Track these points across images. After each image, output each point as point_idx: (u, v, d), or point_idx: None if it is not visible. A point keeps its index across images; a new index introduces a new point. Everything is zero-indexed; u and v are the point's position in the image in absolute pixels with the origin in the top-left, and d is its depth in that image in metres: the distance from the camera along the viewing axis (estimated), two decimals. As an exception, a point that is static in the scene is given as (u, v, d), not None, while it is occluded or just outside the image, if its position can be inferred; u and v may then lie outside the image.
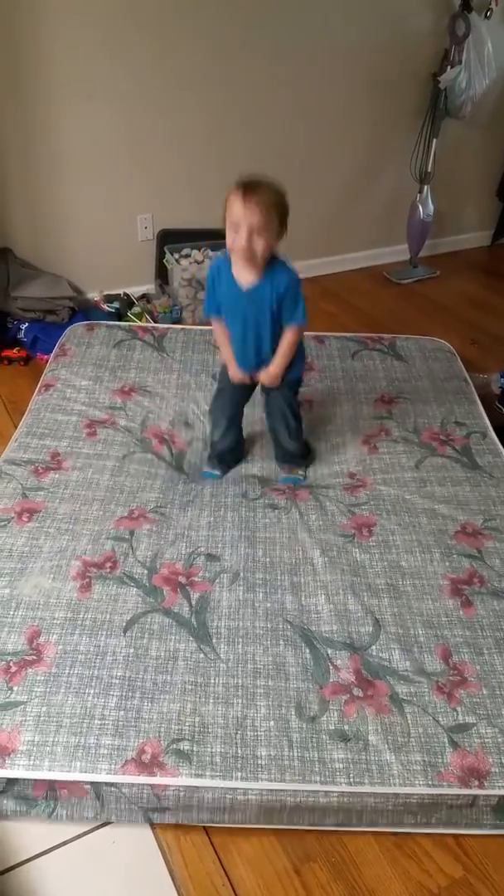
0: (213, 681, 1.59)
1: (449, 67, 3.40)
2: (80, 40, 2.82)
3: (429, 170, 3.66)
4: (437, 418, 2.45)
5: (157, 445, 2.32)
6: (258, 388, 2.18)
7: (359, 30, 3.30)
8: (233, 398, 2.19)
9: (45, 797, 1.47)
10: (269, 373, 2.03)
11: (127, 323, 3.00)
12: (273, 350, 2.01)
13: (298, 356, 2.09)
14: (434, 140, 3.60)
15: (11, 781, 1.45)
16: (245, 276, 1.91)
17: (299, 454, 2.27)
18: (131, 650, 1.64)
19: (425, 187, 3.71)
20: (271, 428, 2.25)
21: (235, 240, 1.80)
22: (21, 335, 3.04)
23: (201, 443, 2.36)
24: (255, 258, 1.84)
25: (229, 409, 2.21)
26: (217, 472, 2.25)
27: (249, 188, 1.77)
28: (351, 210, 3.82)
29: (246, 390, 2.18)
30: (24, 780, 1.44)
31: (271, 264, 1.90)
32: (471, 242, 4.35)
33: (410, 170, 3.70)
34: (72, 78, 2.88)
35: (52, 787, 1.46)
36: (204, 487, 2.14)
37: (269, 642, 1.68)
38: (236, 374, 2.07)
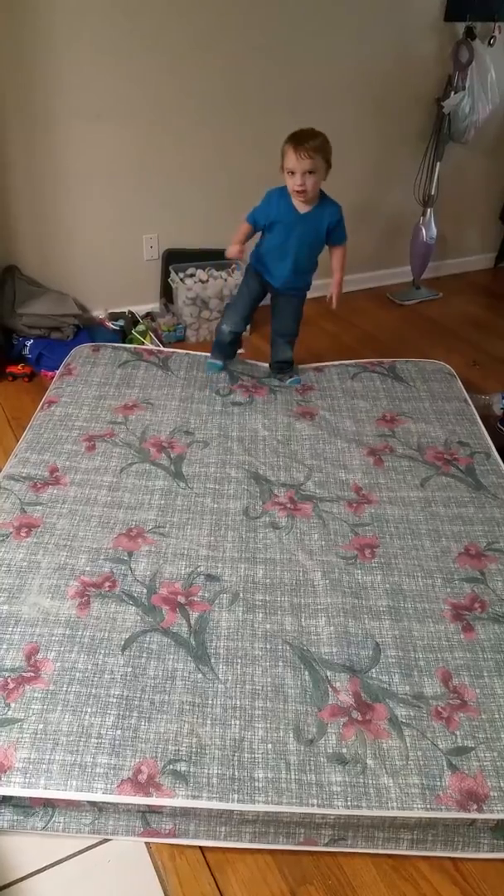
0: (210, 702, 1.59)
1: (453, 93, 3.45)
2: (89, 61, 2.86)
3: (432, 193, 3.70)
4: (439, 438, 2.46)
5: (155, 454, 2.33)
6: (269, 297, 2.68)
7: (365, 56, 3.35)
8: (249, 299, 2.67)
9: (42, 806, 1.47)
10: (337, 287, 2.61)
11: (132, 346, 3.02)
12: (307, 264, 2.56)
13: (315, 267, 2.61)
14: (437, 164, 3.64)
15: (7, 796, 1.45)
16: (300, 206, 2.43)
17: (292, 361, 2.79)
18: (129, 669, 1.64)
19: (429, 210, 3.74)
20: (276, 334, 2.76)
21: (292, 184, 2.34)
22: (26, 352, 3.06)
23: (200, 446, 2.39)
24: (308, 195, 2.37)
25: (244, 308, 2.68)
26: (220, 363, 2.77)
27: (300, 139, 2.28)
28: (355, 232, 3.80)
29: (261, 292, 2.66)
30: (19, 798, 1.44)
31: (321, 197, 2.45)
32: (473, 265, 4.38)
33: (414, 193, 3.73)
34: (80, 98, 2.92)
35: (48, 801, 1.46)
36: (204, 502, 2.15)
37: (267, 664, 1.68)
38: (234, 250, 2.52)
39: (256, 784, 1.45)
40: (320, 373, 2.86)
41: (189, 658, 1.68)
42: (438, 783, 1.46)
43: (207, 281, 3.33)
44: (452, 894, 1.43)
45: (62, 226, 3.17)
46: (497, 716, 1.58)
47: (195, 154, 3.25)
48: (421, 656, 1.71)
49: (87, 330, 3.17)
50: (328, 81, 3.34)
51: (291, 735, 1.53)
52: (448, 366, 2.91)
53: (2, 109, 2.83)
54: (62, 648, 1.68)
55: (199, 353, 2.93)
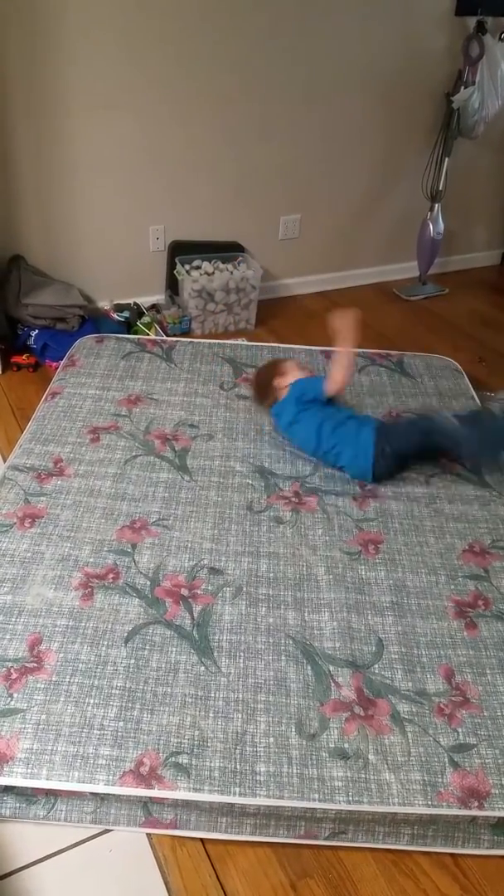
0: (213, 694, 1.59)
1: (462, 88, 3.43)
2: (98, 52, 2.84)
3: (440, 188, 3.68)
4: (444, 435, 2.45)
5: (159, 447, 2.32)
6: None
7: (374, 49, 3.33)
8: None
9: (45, 795, 1.48)
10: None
11: (136, 336, 3.01)
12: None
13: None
14: (446, 159, 3.62)
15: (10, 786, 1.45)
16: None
17: None
18: (132, 661, 1.64)
19: (436, 205, 3.72)
20: None
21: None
22: (31, 342, 3.05)
23: (205, 438, 2.38)
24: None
25: None
26: None
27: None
28: (362, 226, 3.84)
29: None
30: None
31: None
32: (480, 261, 4.36)
33: (422, 188, 3.71)
34: (88, 89, 2.90)
35: (51, 790, 1.47)
36: (208, 495, 2.15)
37: (270, 657, 1.68)
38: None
39: (258, 778, 1.45)
40: (329, 359, 2.85)
41: (192, 651, 1.68)
42: (440, 780, 1.46)
43: (213, 273, 3.32)
44: (452, 890, 1.44)
45: (68, 216, 3.16)
46: (499, 713, 1.58)
47: (202, 145, 3.24)
48: (424, 653, 1.71)
49: (93, 321, 3.16)
50: (337, 75, 3.32)
51: (293, 729, 1.53)
52: (455, 362, 2.91)
53: (9, 99, 2.82)
54: (65, 639, 1.68)
55: (201, 340, 2.90)
